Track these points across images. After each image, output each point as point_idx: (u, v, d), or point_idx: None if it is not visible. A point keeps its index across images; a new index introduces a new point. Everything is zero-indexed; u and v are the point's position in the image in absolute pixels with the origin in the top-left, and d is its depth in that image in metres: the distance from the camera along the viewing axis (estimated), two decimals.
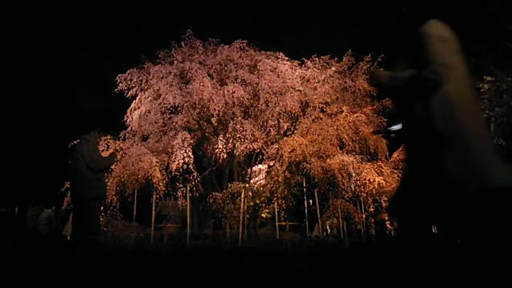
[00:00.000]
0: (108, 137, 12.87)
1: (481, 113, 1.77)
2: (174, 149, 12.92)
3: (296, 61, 15.43)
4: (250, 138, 13.61)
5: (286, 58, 15.32)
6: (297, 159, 13.15)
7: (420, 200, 1.71)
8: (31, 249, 8.22)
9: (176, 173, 12.87)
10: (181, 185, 13.42)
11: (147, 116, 14.72)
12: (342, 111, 14.35)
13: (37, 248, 8.71)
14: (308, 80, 15.27)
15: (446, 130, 1.65)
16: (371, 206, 13.53)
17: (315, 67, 15.40)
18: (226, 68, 15.19)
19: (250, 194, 13.61)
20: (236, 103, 13.89)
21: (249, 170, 16.27)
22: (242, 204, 11.34)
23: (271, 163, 14.94)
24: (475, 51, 12.80)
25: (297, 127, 15.00)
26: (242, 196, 11.54)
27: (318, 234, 15.56)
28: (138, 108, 14.91)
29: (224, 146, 13.54)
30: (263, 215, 17.11)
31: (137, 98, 15.20)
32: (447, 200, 1.62)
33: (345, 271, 4.31)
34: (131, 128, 14.87)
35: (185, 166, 12.72)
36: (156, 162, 12.67)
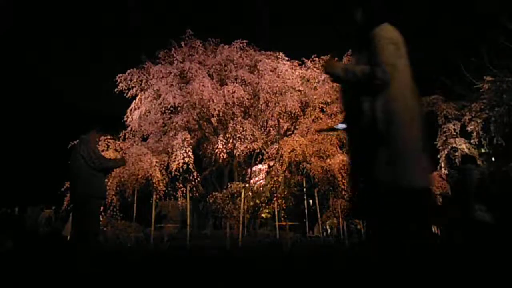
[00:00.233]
0: (108, 137, 12.87)
1: (422, 116, 1.91)
2: (174, 149, 12.92)
3: (296, 61, 15.45)
4: (250, 138, 13.61)
5: (286, 58, 15.33)
6: (297, 159, 13.15)
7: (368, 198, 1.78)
8: (31, 249, 8.21)
9: (176, 173, 12.88)
10: (181, 185, 13.42)
11: (147, 116, 14.71)
12: (342, 111, 14.33)
13: (36, 248, 8.70)
14: (308, 80, 15.27)
15: (385, 130, 1.71)
16: None
17: (315, 67, 15.40)
18: (226, 68, 15.19)
19: (250, 194, 13.62)
20: (236, 103, 13.89)
21: (249, 170, 16.28)
22: (242, 204, 11.33)
23: (271, 163, 14.95)
24: (475, 51, 12.81)
25: (297, 127, 15.01)
26: (242, 196, 11.53)
27: (318, 234, 15.56)
28: (138, 108, 14.90)
29: (224, 146, 13.54)
30: (263, 215, 17.11)
31: (137, 98, 15.19)
32: (375, 197, 1.71)
33: (345, 271, 4.30)
34: (131, 128, 14.86)
35: (185, 166, 12.72)
36: (156, 162, 12.67)
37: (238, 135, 13.37)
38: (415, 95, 1.83)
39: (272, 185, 13.60)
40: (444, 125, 15.09)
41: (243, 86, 14.25)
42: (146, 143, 14.56)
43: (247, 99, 14.09)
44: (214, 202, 13.50)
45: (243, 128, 13.42)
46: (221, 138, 13.85)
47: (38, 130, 25.13)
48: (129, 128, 14.96)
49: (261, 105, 14.32)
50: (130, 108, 15.24)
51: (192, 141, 14.00)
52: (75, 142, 8.15)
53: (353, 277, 3.56)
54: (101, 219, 8.62)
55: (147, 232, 11.26)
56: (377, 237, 1.79)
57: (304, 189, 14.12)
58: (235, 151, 13.87)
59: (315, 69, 15.32)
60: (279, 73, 14.43)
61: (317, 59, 15.59)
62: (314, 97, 14.57)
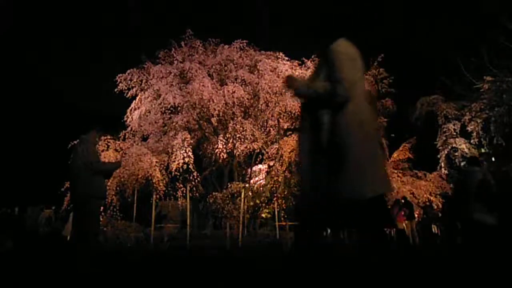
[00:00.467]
0: (108, 137, 12.87)
1: (377, 126, 2.01)
2: (174, 149, 12.92)
3: (296, 61, 15.44)
4: (250, 138, 13.61)
5: (286, 58, 15.34)
6: (297, 159, 13.13)
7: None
8: (31, 249, 8.21)
9: (176, 173, 12.88)
10: (181, 185, 13.43)
11: (147, 116, 14.72)
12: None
13: (36, 248, 8.70)
14: None
15: (342, 142, 1.77)
16: None
17: (315, 67, 15.37)
18: (226, 68, 15.19)
19: (250, 194, 13.61)
20: (236, 103, 13.89)
21: (249, 170, 16.27)
22: (242, 204, 11.33)
23: (271, 163, 14.94)
24: (475, 51, 12.80)
25: (297, 127, 14.98)
26: (242, 196, 11.53)
27: None
28: (138, 108, 14.91)
29: (224, 146, 13.54)
30: (263, 215, 17.10)
31: (137, 98, 15.19)
32: (328, 207, 1.78)
33: (345, 270, 4.30)
34: (131, 128, 14.86)
35: (185, 166, 12.72)
36: (156, 162, 12.67)
37: (238, 135, 13.37)
38: (371, 107, 1.92)
39: (272, 185, 13.59)
40: (444, 125, 15.11)
41: (243, 86, 14.26)
42: (146, 143, 14.56)
43: (247, 99, 14.10)
44: (214, 202, 13.49)
45: (243, 128, 13.42)
46: (221, 138, 13.85)
47: (38, 130, 25.13)
48: (129, 128, 14.96)
49: (261, 105, 14.32)
50: (130, 108, 15.24)
51: (192, 141, 14.01)
52: (75, 142, 8.17)
53: (353, 277, 3.56)
54: (101, 219, 8.61)
55: (147, 232, 11.26)
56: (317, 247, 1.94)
57: None
58: (235, 151, 13.87)
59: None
60: (279, 73, 14.43)
61: (317, 59, 15.54)
62: None
